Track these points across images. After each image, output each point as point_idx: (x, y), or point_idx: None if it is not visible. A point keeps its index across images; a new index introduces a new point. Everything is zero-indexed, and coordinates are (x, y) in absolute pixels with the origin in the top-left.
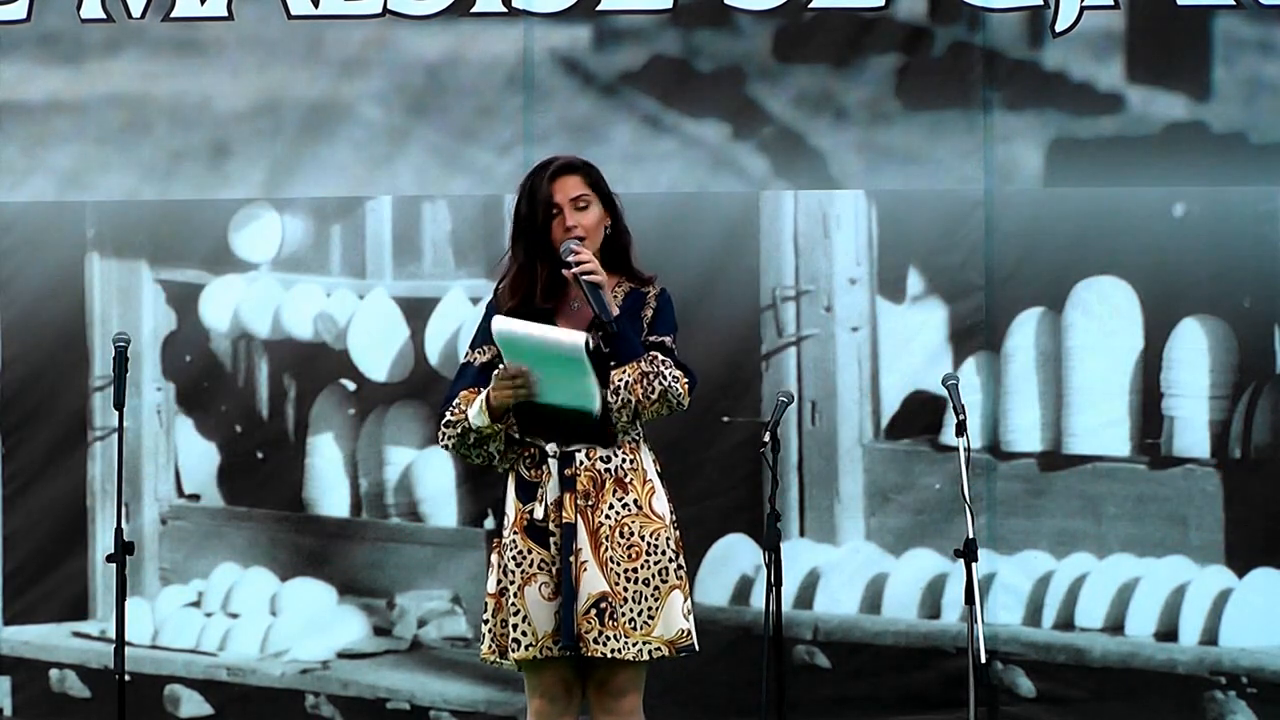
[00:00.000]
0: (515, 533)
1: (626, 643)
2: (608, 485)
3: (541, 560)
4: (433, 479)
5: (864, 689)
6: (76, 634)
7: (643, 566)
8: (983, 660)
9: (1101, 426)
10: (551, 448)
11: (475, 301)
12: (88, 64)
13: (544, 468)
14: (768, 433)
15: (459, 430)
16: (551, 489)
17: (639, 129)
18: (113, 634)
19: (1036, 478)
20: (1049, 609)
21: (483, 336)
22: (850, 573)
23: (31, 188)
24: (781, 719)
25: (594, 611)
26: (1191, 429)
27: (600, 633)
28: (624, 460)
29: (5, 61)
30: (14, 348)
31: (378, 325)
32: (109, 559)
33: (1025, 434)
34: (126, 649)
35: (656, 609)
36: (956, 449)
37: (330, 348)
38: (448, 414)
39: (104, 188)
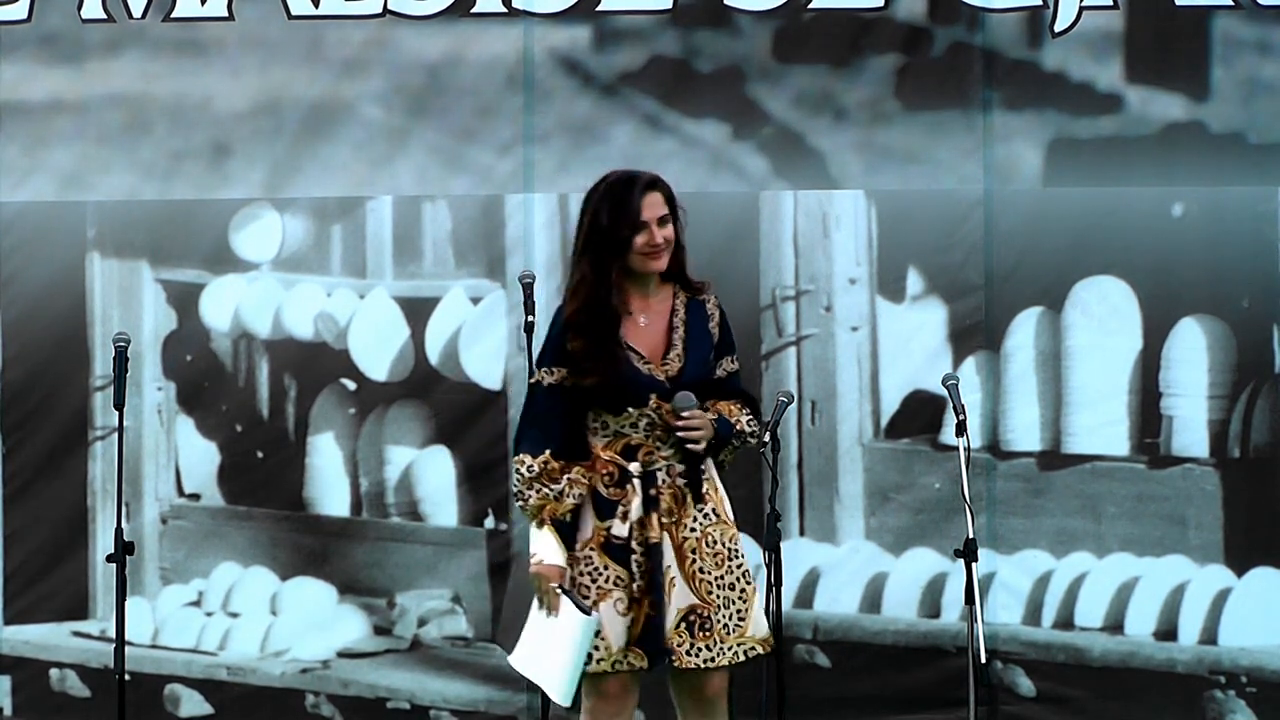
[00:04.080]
0: (591, 549)
1: (721, 648)
2: (689, 499)
3: (617, 577)
4: (433, 478)
5: (864, 688)
6: (76, 633)
7: (728, 572)
8: (983, 660)
9: (1101, 426)
10: (635, 467)
11: (475, 301)
12: (88, 64)
13: (627, 487)
14: (768, 433)
15: (532, 507)
16: (635, 508)
17: (639, 129)
18: (113, 633)
19: (1036, 477)
20: (1048, 608)
21: (552, 355)
22: (850, 572)
23: (32, 188)
24: (781, 719)
25: (683, 625)
26: (1190, 428)
27: (692, 645)
28: (701, 473)
29: (6, 61)
30: (14, 348)
31: (378, 325)
32: (109, 559)
33: (1025, 433)
34: (127, 649)
35: (746, 611)
36: (956, 449)
37: (331, 347)
38: (524, 487)
39: (104, 188)
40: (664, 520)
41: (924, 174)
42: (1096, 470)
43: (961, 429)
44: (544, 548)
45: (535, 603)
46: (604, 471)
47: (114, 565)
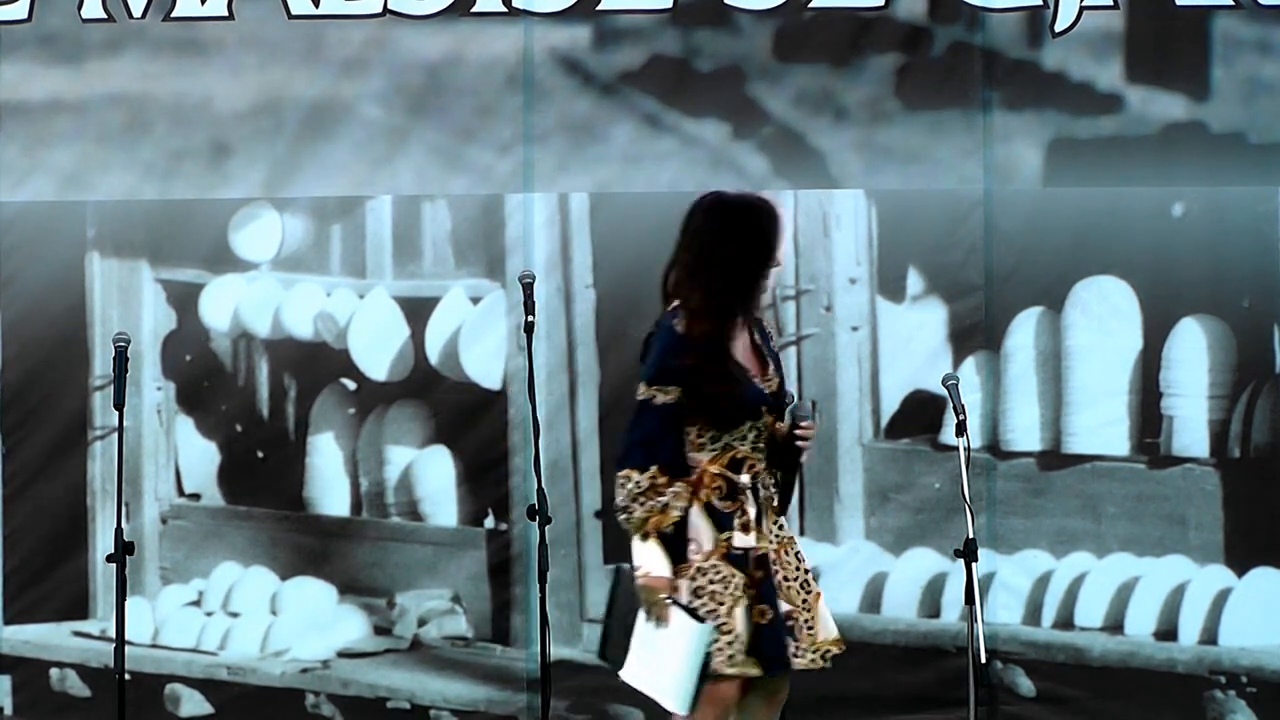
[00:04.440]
0: (717, 559)
1: (806, 651)
2: (772, 508)
3: (745, 583)
4: (433, 478)
5: (864, 688)
6: (77, 633)
7: (801, 575)
8: (982, 659)
9: (1101, 426)
10: (745, 479)
11: (475, 301)
12: (88, 64)
13: (739, 498)
14: None
15: (637, 520)
16: (754, 519)
17: (639, 129)
18: (113, 633)
19: (1036, 477)
20: (1048, 608)
21: (666, 374)
22: (850, 572)
23: (32, 187)
24: (781, 718)
25: (783, 629)
26: (1191, 428)
27: (795, 647)
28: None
29: (6, 61)
30: (14, 348)
31: (378, 325)
32: (109, 559)
33: (1025, 433)
34: (127, 648)
35: (820, 613)
36: (956, 448)
37: (330, 347)
38: (630, 501)
39: (104, 187)
40: (769, 529)
41: (924, 174)
42: (1096, 470)
43: (961, 429)
44: (650, 560)
45: (641, 616)
46: (714, 485)
47: (114, 565)
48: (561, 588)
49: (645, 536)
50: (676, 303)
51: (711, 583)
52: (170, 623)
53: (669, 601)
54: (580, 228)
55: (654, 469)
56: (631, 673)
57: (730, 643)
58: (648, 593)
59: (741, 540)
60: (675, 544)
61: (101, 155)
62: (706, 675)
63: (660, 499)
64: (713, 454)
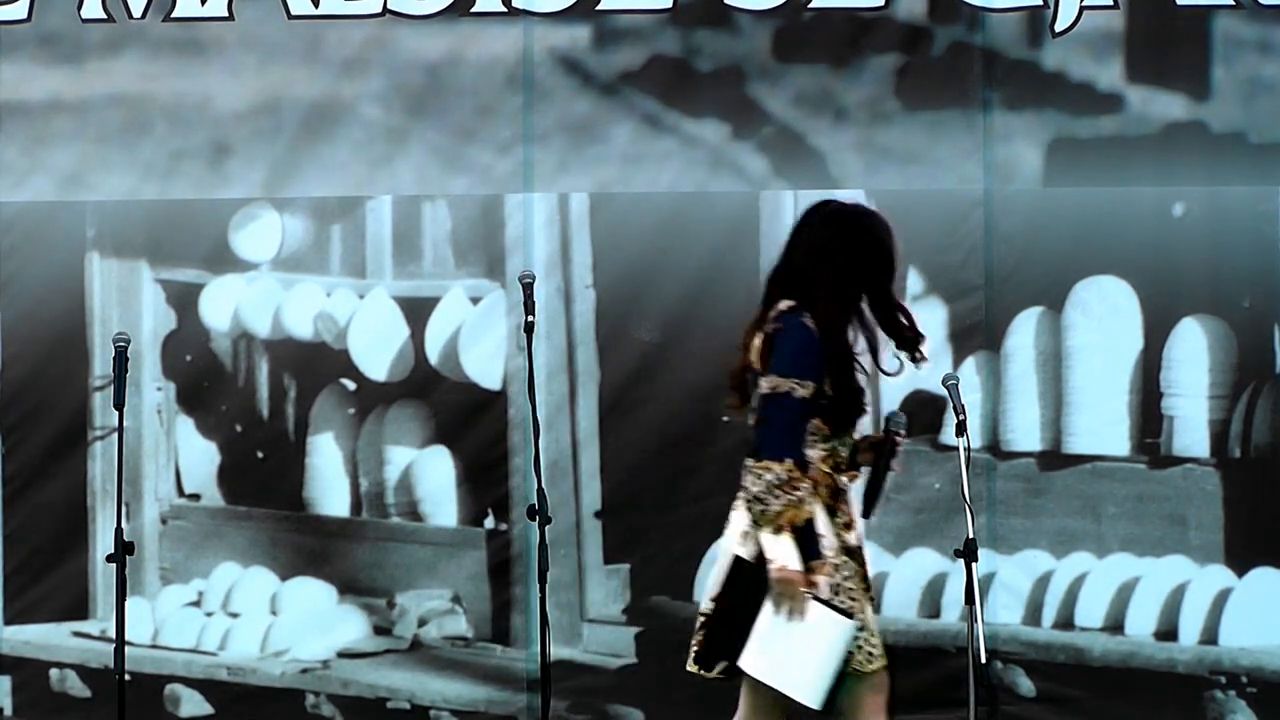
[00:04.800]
0: (843, 556)
1: None
2: None
3: (863, 578)
4: (433, 478)
5: None
6: (77, 633)
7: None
8: (983, 660)
9: (1101, 426)
10: (845, 480)
11: (475, 301)
12: (88, 64)
13: (843, 500)
14: None
15: (773, 513)
16: (853, 519)
17: (639, 129)
18: (113, 633)
19: (1036, 477)
20: (1049, 608)
21: (805, 369)
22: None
23: (32, 188)
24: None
25: None
26: (1191, 428)
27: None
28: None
29: (6, 61)
30: (14, 348)
31: (378, 325)
32: (109, 559)
33: (1025, 433)
34: (127, 649)
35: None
36: (956, 449)
37: (330, 347)
38: (765, 493)
39: (104, 188)
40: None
41: (924, 174)
42: (1097, 470)
43: (961, 429)
44: (786, 554)
45: (768, 608)
46: (825, 484)
47: (114, 565)
48: (561, 588)
49: (779, 530)
50: (790, 303)
51: (846, 579)
52: (170, 623)
53: (809, 596)
54: (580, 228)
55: (790, 462)
56: (755, 665)
57: (869, 639)
58: (786, 586)
59: (852, 540)
60: (806, 540)
61: (101, 155)
62: (846, 673)
63: (796, 493)
64: (823, 454)
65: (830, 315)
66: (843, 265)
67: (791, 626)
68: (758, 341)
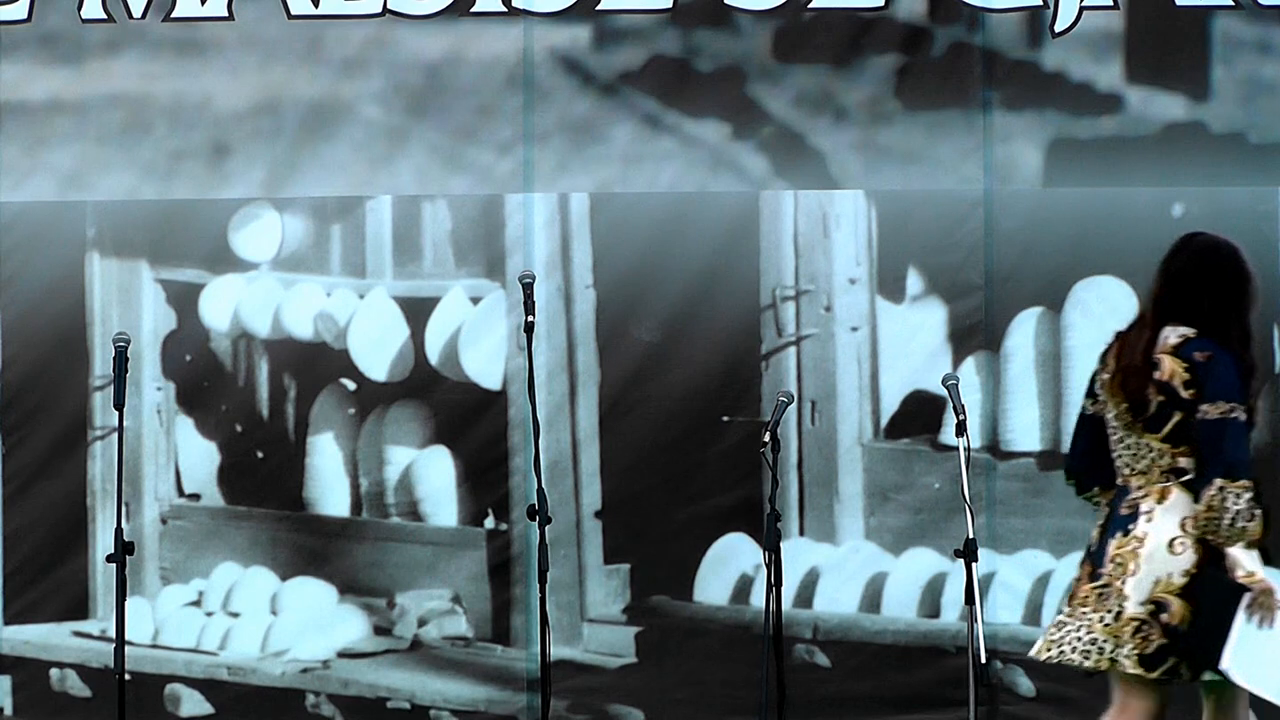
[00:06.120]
0: None
1: None
2: None
3: None
4: (433, 478)
5: (864, 688)
6: (77, 633)
7: None
8: (983, 659)
9: None
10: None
11: (475, 301)
12: (88, 64)
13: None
14: (768, 432)
15: (1254, 528)
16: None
17: (639, 129)
18: (113, 633)
19: (1036, 477)
20: (1048, 608)
21: (1240, 393)
22: (850, 572)
23: (32, 188)
24: (781, 718)
25: None
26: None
27: None
28: None
29: (6, 61)
30: (14, 348)
31: (378, 325)
32: (109, 559)
33: (1024, 433)
34: (127, 648)
35: None
36: (956, 449)
37: (330, 347)
38: (1253, 509)
39: (104, 188)
40: None
41: (924, 174)
42: None
43: (961, 429)
44: (1259, 566)
45: (1241, 617)
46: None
47: (114, 565)
48: (561, 588)
49: (1250, 545)
50: (1191, 331)
51: None
52: (170, 623)
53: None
54: (580, 228)
55: (1249, 481)
56: (1241, 672)
57: None
58: (1268, 597)
59: None
60: (1263, 552)
61: (101, 155)
62: None
63: (1259, 509)
64: None
65: (1244, 345)
66: (1240, 300)
67: (1263, 633)
68: (1171, 364)
